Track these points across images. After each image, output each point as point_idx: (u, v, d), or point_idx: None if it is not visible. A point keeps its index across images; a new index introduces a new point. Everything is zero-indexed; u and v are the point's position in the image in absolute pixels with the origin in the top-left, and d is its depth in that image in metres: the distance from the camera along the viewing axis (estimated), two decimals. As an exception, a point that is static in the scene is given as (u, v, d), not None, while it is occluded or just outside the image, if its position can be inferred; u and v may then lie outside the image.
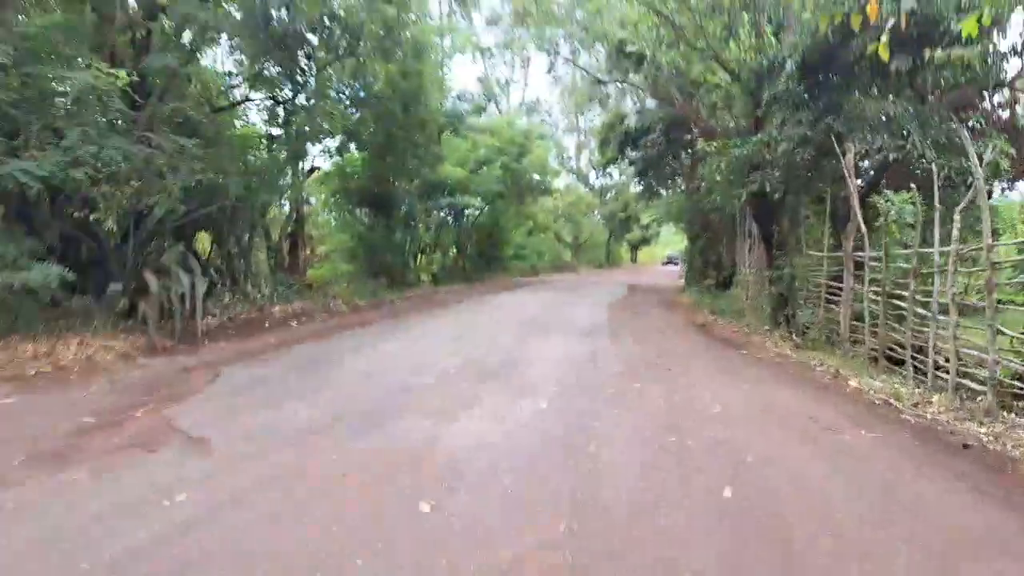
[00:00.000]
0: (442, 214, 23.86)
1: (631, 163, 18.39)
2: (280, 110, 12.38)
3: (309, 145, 13.45)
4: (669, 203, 23.87)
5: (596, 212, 48.63)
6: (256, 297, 10.90)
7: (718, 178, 11.43)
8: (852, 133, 9.08)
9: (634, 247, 63.14)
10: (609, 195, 49.23)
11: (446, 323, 11.58)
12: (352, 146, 15.76)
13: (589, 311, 14.63)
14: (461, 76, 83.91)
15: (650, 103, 18.40)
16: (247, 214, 11.37)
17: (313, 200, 17.95)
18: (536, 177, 26.31)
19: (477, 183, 22.00)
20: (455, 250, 26.58)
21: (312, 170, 14.30)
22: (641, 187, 20.75)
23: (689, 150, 17.98)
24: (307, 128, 12.30)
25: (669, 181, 21.26)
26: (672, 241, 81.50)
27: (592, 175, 49.09)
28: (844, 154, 9.13)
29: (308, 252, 15.45)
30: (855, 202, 8.93)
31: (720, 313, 14.07)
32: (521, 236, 34.25)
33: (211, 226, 11.23)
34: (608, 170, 32.71)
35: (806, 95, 9.81)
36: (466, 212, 27.05)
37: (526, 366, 7.69)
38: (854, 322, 9.20)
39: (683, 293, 23.68)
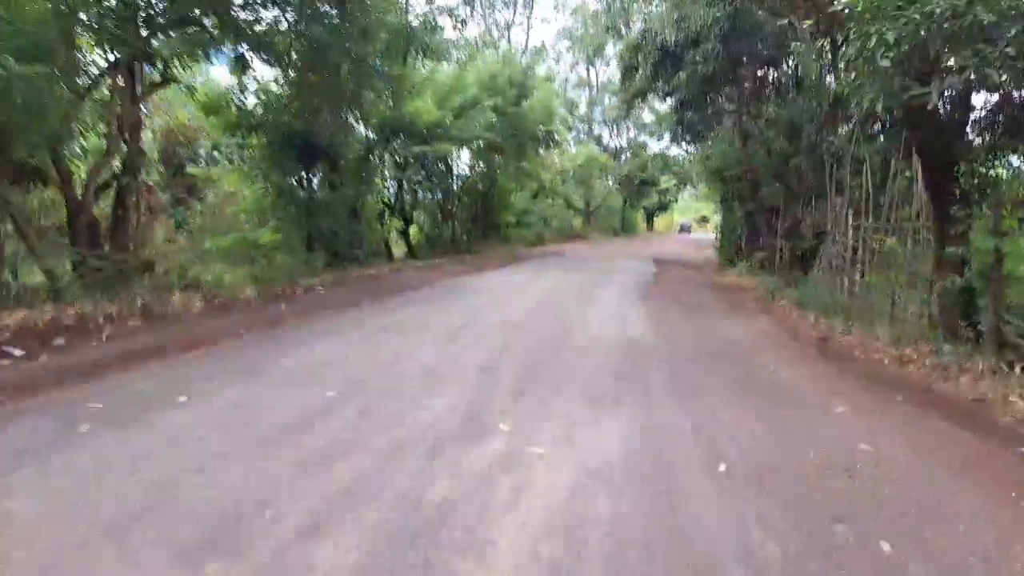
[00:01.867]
0: (422, 170, 18.36)
1: (668, 94, 12.67)
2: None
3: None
4: (710, 153, 18.15)
5: (610, 175, 42.71)
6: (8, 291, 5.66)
7: (877, 62, 5.82)
8: None
9: (650, 214, 57.16)
10: (624, 157, 43.23)
11: (338, 358, 6.24)
12: (261, 62, 10.22)
13: (615, 307, 9.27)
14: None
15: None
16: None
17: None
18: (541, 127, 20.55)
19: (460, 128, 16.41)
20: (439, 215, 21.17)
21: (163, 82, 8.85)
22: (677, 130, 14.97)
23: (756, 72, 12.20)
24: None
25: (715, 122, 15.48)
26: (688, 208, 75.42)
27: (606, 134, 43.13)
28: None
29: (144, 215, 10.17)
30: None
31: (826, 314, 8.65)
32: (524, 200, 28.62)
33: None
34: (632, 114, 26.72)
35: None
36: (453, 168, 21.53)
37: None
38: None
39: (725, 270, 18.17)
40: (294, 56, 10.19)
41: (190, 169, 17.70)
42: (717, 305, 10.17)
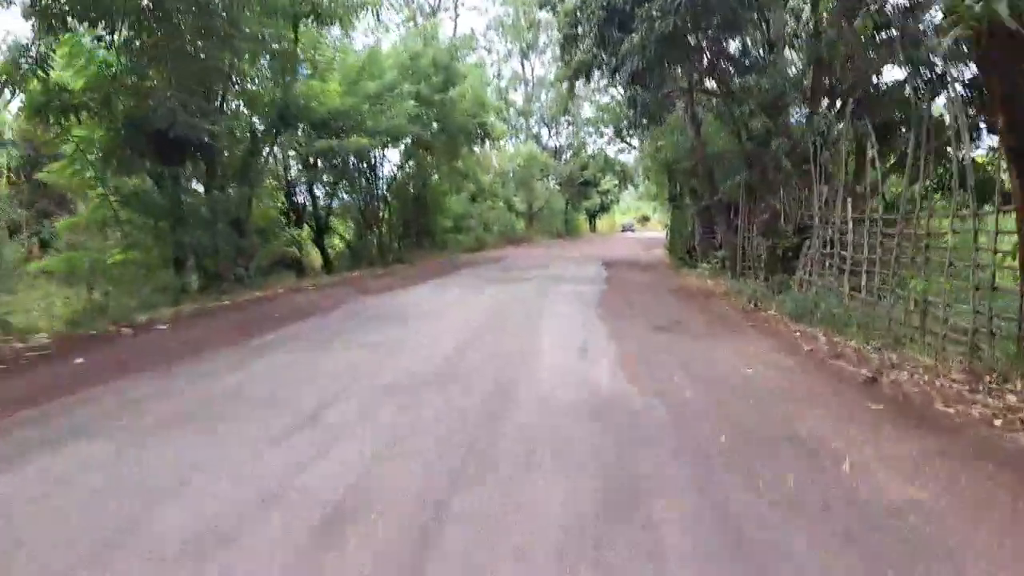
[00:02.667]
0: (334, 170, 15.53)
1: (616, 69, 10.48)
2: None
3: None
4: (661, 145, 16.23)
5: (551, 176, 40.80)
6: None
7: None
8: None
9: (592, 215, 55.75)
10: (565, 157, 41.44)
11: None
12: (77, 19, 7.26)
13: (569, 331, 6.91)
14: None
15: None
16: None
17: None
18: (473, 120, 18.09)
19: (377, 119, 13.76)
20: (363, 222, 18.34)
21: None
22: (629, 114, 12.85)
23: (721, 36, 10.17)
24: None
25: (668, 107, 13.43)
26: (629, 209, 74.85)
27: (545, 133, 41.22)
28: None
29: None
30: None
31: (838, 329, 6.59)
32: (461, 204, 26.10)
33: None
34: (572, 106, 24.68)
35: None
36: (379, 168, 18.78)
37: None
38: None
39: (682, 271, 16.28)
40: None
41: (43, 173, 14.25)
42: (694, 318, 8.00)
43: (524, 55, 38.26)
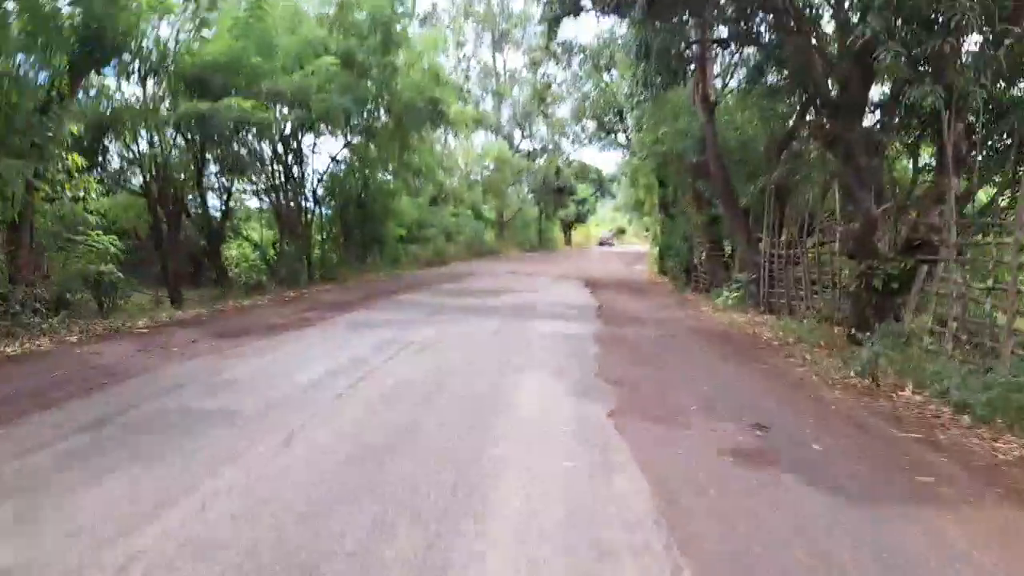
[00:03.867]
0: (220, 148, 11.30)
1: (615, 5, 6.65)
2: None
3: None
4: (662, 135, 12.48)
5: (524, 181, 37.00)
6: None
7: None
8: None
9: (567, 226, 52.12)
10: (539, 161, 37.67)
11: None
12: None
13: (554, 479, 2.95)
14: None
15: None
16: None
17: None
18: (422, 96, 14.03)
19: (280, 78, 9.66)
20: (280, 228, 14.06)
21: None
22: (640, 69, 8.97)
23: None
24: None
25: (680, 73, 9.63)
26: (604, 220, 71.30)
27: (518, 136, 37.36)
28: None
29: None
30: None
31: None
32: (417, 208, 22.00)
33: None
34: (550, 50, 20.65)
35: None
36: (305, 159, 14.59)
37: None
38: None
39: (691, 299, 12.51)
40: None
41: None
42: (795, 415, 4.06)
43: (496, 45, 34.45)
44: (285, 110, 11.28)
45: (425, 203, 23.40)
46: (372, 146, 15.64)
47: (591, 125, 19.56)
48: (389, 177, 17.87)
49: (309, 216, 15.33)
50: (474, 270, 19.26)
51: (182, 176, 10.28)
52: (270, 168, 13.18)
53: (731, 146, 12.23)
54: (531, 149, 36.89)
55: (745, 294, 10.70)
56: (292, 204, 14.65)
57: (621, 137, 19.28)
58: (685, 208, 16.49)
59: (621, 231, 67.76)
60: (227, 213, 12.21)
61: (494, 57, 35.24)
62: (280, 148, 13.38)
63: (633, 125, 17.48)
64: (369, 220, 17.93)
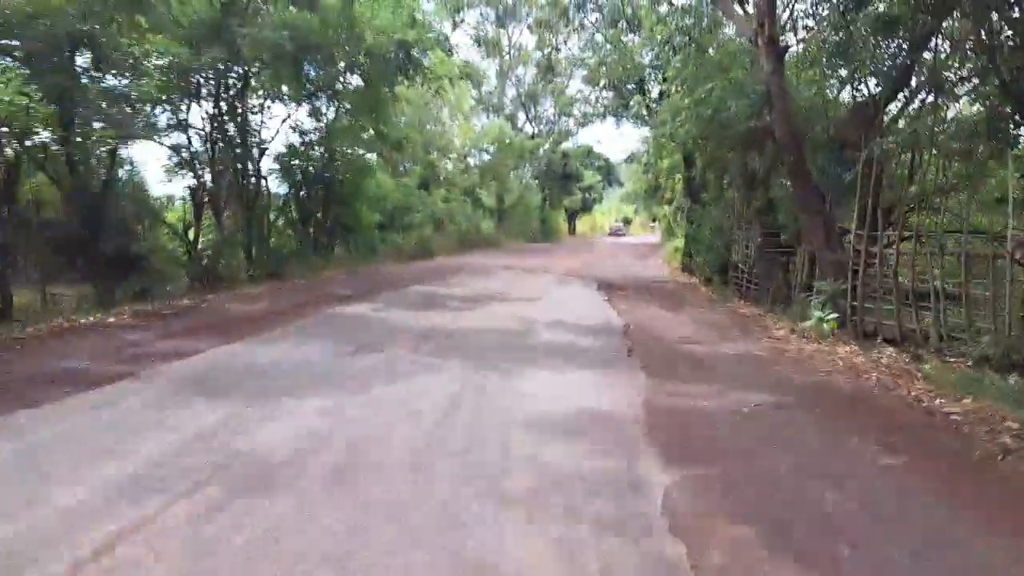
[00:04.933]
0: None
1: None
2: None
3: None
4: (705, 93, 9.13)
5: (527, 166, 33.54)
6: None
7: None
8: None
9: (572, 215, 48.62)
10: (544, 147, 34.13)
11: None
12: None
13: None
14: None
15: None
16: None
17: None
18: (387, 36, 10.60)
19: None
20: (219, 212, 10.83)
21: None
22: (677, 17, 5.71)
23: None
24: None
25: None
26: (610, 210, 67.57)
27: (522, 117, 33.84)
28: None
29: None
30: None
31: None
32: (399, 190, 18.66)
33: None
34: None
35: None
36: (249, 127, 11.31)
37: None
38: None
39: (746, 313, 9.20)
40: None
41: None
42: None
43: (500, 21, 30.85)
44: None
45: (412, 186, 20.07)
46: (337, 109, 12.32)
47: (606, 97, 16.11)
48: (361, 152, 14.55)
49: (257, 197, 12.06)
50: (464, 265, 15.98)
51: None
52: (201, 134, 9.88)
53: (805, 107, 8.89)
54: (536, 131, 33.34)
55: (829, 305, 7.41)
56: (234, 182, 11.39)
57: (642, 110, 15.82)
58: (725, 191, 13.14)
59: (627, 221, 64.20)
60: (109, 184, 8.87)
61: (498, 33, 31.65)
62: (214, 110, 10.07)
63: (664, 90, 14.08)
64: (336, 202, 14.65)
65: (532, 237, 32.86)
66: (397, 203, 18.53)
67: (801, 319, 7.41)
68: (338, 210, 14.93)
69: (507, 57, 31.03)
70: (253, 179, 12.06)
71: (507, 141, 27.61)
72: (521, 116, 33.70)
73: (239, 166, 11.50)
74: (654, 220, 53.03)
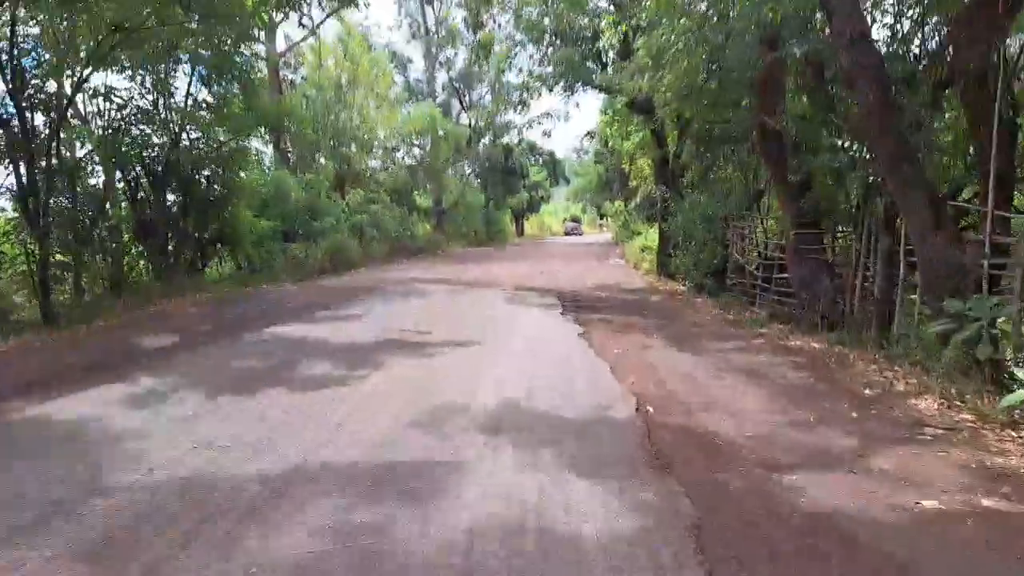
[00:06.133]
0: None
1: None
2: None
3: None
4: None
5: (467, 162, 29.78)
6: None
7: None
8: None
9: (518, 215, 45.12)
10: (485, 141, 30.46)
11: None
12: None
13: None
14: None
15: None
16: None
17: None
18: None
19: None
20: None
21: None
22: None
23: None
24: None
25: None
26: (557, 210, 64.45)
27: (455, 106, 30.00)
28: None
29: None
30: None
31: None
32: (305, 190, 14.56)
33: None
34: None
35: None
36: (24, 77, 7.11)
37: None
38: None
39: (803, 356, 5.87)
40: None
41: None
42: None
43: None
44: None
45: (322, 185, 15.95)
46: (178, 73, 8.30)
47: (551, 57, 12.62)
48: (226, 134, 10.45)
49: (43, 201, 7.85)
50: (384, 280, 12.14)
51: None
52: None
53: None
54: (473, 122, 29.58)
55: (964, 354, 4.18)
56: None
57: (598, 76, 12.46)
58: (719, 170, 9.92)
59: (575, 220, 61.30)
60: None
61: (423, 10, 27.73)
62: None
63: (627, 35, 10.70)
64: (200, 207, 10.50)
65: (477, 240, 29.13)
66: (300, 206, 14.44)
67: (945, 374, 4.08)
68: (208, 216, 10.80)
69: (434, 34, 27.12)
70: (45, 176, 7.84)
71: (440, 132, 23.75)
72: (456, 105, 29.90)
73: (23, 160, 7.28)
74: (603, 217, 50.43)
